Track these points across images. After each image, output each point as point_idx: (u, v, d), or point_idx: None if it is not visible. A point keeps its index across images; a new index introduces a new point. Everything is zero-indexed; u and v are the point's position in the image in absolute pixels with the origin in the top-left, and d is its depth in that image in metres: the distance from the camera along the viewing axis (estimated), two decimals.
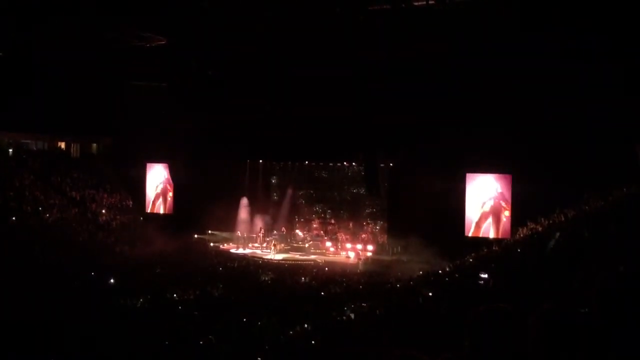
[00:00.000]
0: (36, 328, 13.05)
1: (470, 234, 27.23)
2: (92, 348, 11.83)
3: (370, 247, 30.85)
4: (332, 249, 31.72)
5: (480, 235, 26.98)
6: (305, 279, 23.51)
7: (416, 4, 19.12)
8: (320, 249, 31.82)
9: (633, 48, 19.39)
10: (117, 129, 35.73)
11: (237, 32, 23.07)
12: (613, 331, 2.40)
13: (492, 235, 26.68)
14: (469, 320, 2.51)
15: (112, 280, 20.99)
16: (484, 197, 27.40)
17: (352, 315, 15.99)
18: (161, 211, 36.23)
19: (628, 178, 20.07)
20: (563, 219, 20.67)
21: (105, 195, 33.97)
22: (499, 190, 27.23)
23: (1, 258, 22.30)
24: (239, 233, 33.08)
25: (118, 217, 32.73)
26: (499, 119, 23.76)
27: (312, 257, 30.09)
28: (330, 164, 34.67)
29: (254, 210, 34.56)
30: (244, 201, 34.50)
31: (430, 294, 16.60)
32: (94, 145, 39.12)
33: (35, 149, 36.36)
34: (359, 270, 26.12)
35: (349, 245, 31.25)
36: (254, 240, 32.77)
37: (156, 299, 18.41)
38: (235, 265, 26.81)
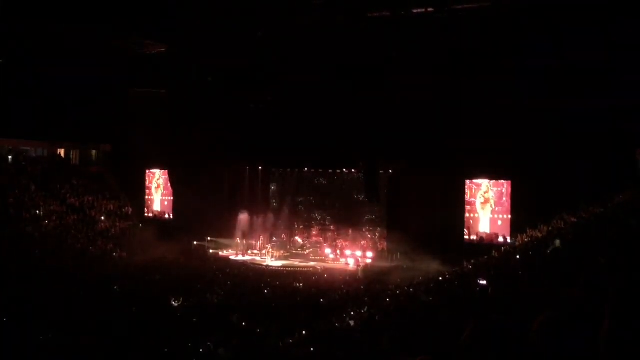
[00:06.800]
0: (35, 333, 13.01)
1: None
2: (91, 354, 11.79)
3: (369, 254, 30.81)
4: (331, 256, 31.69)
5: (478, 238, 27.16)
6: (304, 285, 23.46)
7: (415, 11, 19.22)
8: (319, 256, 31.79)
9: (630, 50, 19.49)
10: (116, 136, 35.78)
11: (237, 39, 23.15)
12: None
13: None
14: (468, 334, 2.49)
15: (110, 287, 20.91)
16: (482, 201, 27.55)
17: (352, 322, 15.95)
18: (158, 208, 36.31)
19: (628, 183, 20.10)
20: (563, 225, 20.68)
21: (105, 202, 33.95)
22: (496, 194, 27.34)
23: (0, 264, 22.27)
24: (238, 240, 33.03)
25: (117, 223, 32.70)
26: (498, 125, 23.79)
27: (312, 263, 30.06)
28: (330, 171, 34.69)
29: (253, 217, 34.53)
30: (243, 208, 34.45)
31: (430, 300, 16.58)
32: (94, 152, 39.12)
33: (34, 155, 36.37)
34: (358, 277, 26.07)
35: (348, 252, 31.21)
36: (253, 247, 32.73)
37: (155, 305, 18.35)
38: (235, 272, 26.75)
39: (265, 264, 29.90)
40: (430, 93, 24.23)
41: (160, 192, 36.88)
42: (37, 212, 29.80)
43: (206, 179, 32.97)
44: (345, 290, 22.06)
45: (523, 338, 2.41)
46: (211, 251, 32.28)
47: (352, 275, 26.82)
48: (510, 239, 25.39)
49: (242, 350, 12.70)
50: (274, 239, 33.31)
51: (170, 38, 24.80)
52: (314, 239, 34.07)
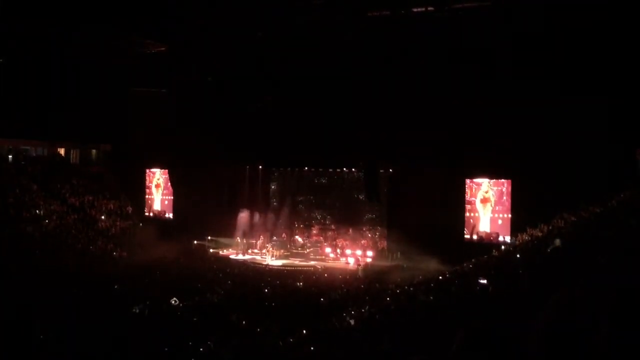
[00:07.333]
0: (35, 333, 13.01)
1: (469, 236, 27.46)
2: (91, 354, 11.79)
3: (369, 253, 30.81)
4: (331, 255, 31.70)
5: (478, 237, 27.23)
6: (304, 285, 23.47)
7: (415, 10, 19.19)
8: (319, 255, 31.79)
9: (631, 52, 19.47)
10: (116, 135, 35.78)
11: (237, 39, 23.15)
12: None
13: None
14: (459, 340, 2.48)
15: (111, 287, 20.92)
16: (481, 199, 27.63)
17: (352, 322, 15.95)
18: (158, 208, 36.35)
19: (628, 183, 20.08)
20: (563, 224, 20.68)
21: (105, 202, 33.95)
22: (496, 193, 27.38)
23: (0, 264, 22.28)
24: (238, 239, 33.03)
25: (117, 223, 32.69)
26: (498, 125, 23.80)
27: (312, 263, 30.06)
28: (330, 170, 34.69)
29: (253, 216, 34.56)
30: (244, 207, 34.47)
31: (430, 299, 16.59)
32: (94, 151, 39.13)
33: (34, 155, 36.36)
34: (358, 276, 26.08)
35: (348, 251, 31.21)
36: (254, 246, 32.73)
37: (156, 304, 18.37)
38: (235, 271, 26.75)
39: (265, 263, 29.89)
40: (430, 92, 24.23)
41: (160, 191, 36.89)
42: (37, 211, 29.79)
43: (206, 178, 32.97)
44: (345, 290, 22.06)
45: (517, 341, 2.41)
46: (211, 250, 32.30)
47: (353, 274, 26.83)
48: (511, 238, 25.39)
49: (242, 350, 12.70)
50: (274, 238, 33.30)
51: (170, 38, 24.76)
52: (314, 238, 34.07)
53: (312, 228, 35.06)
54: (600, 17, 18.74)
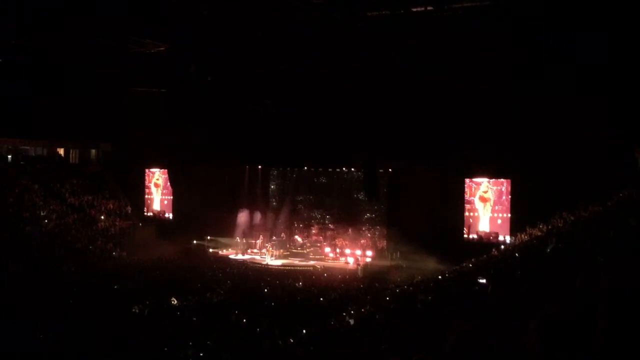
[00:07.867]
0: (36, 333, 13.02)
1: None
2: (91, 354, 11.80)
3: (369, 253, 30.83)
4: (331, 255, 31.71)
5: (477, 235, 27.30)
6: (304, 284, 23.47)
7: (415, 10, 19.15)
8: (319, 255, 31.81)
9: (630, 51, 19.46)
10: (116, 135, 35.80)
11: (236, 38, 23.13)
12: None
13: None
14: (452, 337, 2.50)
15: (111, 287, 20.92)
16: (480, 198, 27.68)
17: (351, 321, 15.95)
18: (158, 207, 36.35)
19: (628, 182, 20.08)
20: (562, 224, 20.66)
21: (104, 201, 33.96)
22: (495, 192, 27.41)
23: (0, 264, 22.30)
24: (237, 239, 33.05)
25: (117, 222, 32.71)
26: (498, 124, 23.81)
27: (312, 262, 30.08)
28: (330, 170, 34.71)
29: (252, 216, 34.58)
30: (243, 207, 34.49)
31: (430, 299, 16.58)
32: (93, 151, 39.13)
33: (34, 155, 36.35)
34: (358, 276, 26.09)
35: (348, 251, 31.24)
36: (253, 246, 32.75)
37: (155, 304, 18.36)
38: (235, 271, 26.76)
39: (264, 263, 29.92)
40: (430, 92, 24.23)
41: (159, 191, 36.91)
42: (37, 211, 29.80)
43: (206, 178, 32.99)
44: (345, 290, 22.06)
45: (511, 338, 2.43)
46: (211, 250, 32.33)
47: (352, 274, 26.84)
48: (510, 238, 25.42)
49: (242, 350, 12.70)
50: (274, 238, 33.32)
51: (170, 38, 24.73)
52: (314, 237, 34.08)
53: (312, 228, 35.06)
54: (600, 16, 18.73)
